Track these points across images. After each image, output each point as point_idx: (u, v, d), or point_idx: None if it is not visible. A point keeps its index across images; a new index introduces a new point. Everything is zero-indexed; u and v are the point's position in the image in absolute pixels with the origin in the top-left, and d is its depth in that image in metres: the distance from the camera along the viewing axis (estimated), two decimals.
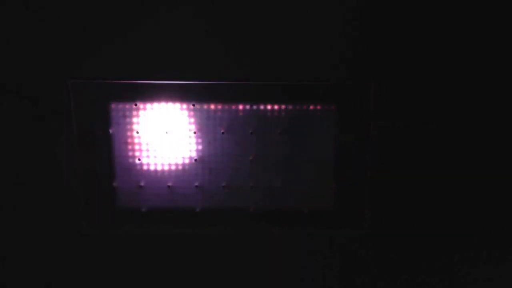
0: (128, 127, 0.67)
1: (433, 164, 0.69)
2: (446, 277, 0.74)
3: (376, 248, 0.73)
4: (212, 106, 0.67)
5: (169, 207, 0.70)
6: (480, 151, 0.69)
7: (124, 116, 0.67)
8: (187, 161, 0.69)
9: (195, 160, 0.69)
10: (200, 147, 0.68)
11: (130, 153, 0.68)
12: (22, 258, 0.73)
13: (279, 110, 0.67)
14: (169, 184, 0.69)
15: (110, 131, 0.67)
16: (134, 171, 0.69)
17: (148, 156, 0.68)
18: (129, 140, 0.68)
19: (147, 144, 0.68)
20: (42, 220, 0.71)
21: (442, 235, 0.72)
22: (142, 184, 0.69)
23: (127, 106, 0.67)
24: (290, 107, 0.67)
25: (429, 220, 0.71)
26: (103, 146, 0.67)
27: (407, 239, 0.72)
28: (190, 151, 0.68)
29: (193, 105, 0.67)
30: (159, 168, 0.69)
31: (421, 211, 0.71)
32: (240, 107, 0.67)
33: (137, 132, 0.67)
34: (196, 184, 0.70)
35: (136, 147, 0.68)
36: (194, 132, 0.68)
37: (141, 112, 0.67)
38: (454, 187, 0.70)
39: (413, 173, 0.69)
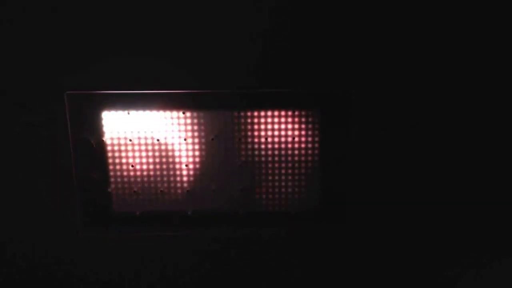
0: (121, 135, 0.70)
1: (418, 165, 0.71)
2: (431, 274, 0.76)
3: (362, 246, 0.75)
4: (202, 114, 0.69)
5: (162, 211, 0.73)
6: (467, 152, 0.71)
7: (117, 125, 0.69)
8: (178, 166, 0.71)
9: (186, 165, 0.71)
10: (190, 153, 0.71)
11: (124, 160, 0.71)
12: (19, 261, 0.75)
13: (266, 116, 0.69)
14: (162, 189, 0.72)
15: (104, 139, 0.70)
16: (128, 177, 0.71)
17: (141, 163, 0.71)
18: (123, 148, 0.70)
19: (139, 151, 0.71)
20: (39, 224, 0.73)
21: (429, 233, 0.74)
22: (135, 189, 0.72)
23: (120, 115, 0.69)
24: (276, 113, 0.69)
25: (415, 218, 0.73)
26: (98, 153, 0.70)
27: (393, 236, 0.74)
28: (181, 157, 0.71)
29: (183, 113, 0.69)
30: (151, 174, 0.71)
31: (407, 210, 0.73)
32: (228, 114, 0.69)
33: (130, 140, 0.70)
34: (188, 188, 0.72)
35: (130, 154, 0.71)
36: (185, 139, 0.70)
37: (133, 121, 0.69)
38: (439, 186, 0.72)
39: (398, 173, 0.72)
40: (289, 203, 0.73)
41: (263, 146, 0.70)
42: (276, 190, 0.72)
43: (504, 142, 0.70)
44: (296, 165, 0.71)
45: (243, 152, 0.71)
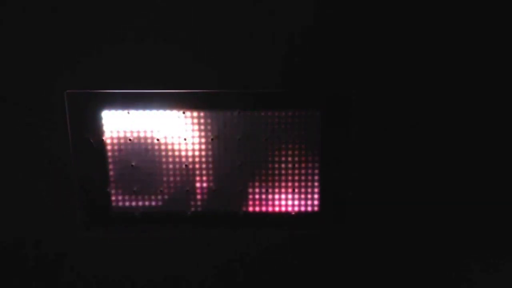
0: (121, 134, 0.70)
1: (418, 166, 0.71)
2: (432, 275, 0.76)
3: (362, 247, 0.75)
4: (202, 114, 0.69)
5: (161, 211, 0.73)
6: (468, 152, 0.71)
7: (117, 124, 0.69)
8: (177, 166, 0.71)
9: (186, 165, 0.71)
10: (190, 153, 0.71)
11: (124, 160, 0.71)
12: (19, 261, 0.75)
13: (266, 116, 0.69)
14: (161, 189, 0.72)
15: (104, 138, 0.70)
16: (127, 176, 0.71)
17: (140, 162, 0.71)
18: (122, 147, 0.70)
19: (139, 150, 0.70)
20: (38, 223, 0.73)
21: (430, 234, 0.74)
22: (135, 189, 0.72)
23: (120, 114, 0.69)
24: (276, 113, 0.69)
25: (415, 218, 0.73)
26: (97, 153, 0.70)
27: (394, 237, 0.74)
28: (181, 157, 0.71)
29: (183, 112, 0.69)
30: (151, 173, 0.71)
31: (407, 210, 0.73)
32: (229, 114, 0.69)
33: (130, 140, 0.70)
34: (187, 188, 0.72)
35: (129, 153, 0.70)
36: (185, 139, 0.70)
37: (133, 120, 0.69)
38: (439, 186, 0.72)
39: (398, 174, 0.71)
40: (289, 203, 0.73)
41: (263, 146, 0.70)
42: (276, 190, 0.72)
43: (504, 142, 0.70)
44: (296, 165, 0.71)
45: (242, 153, 0.71)
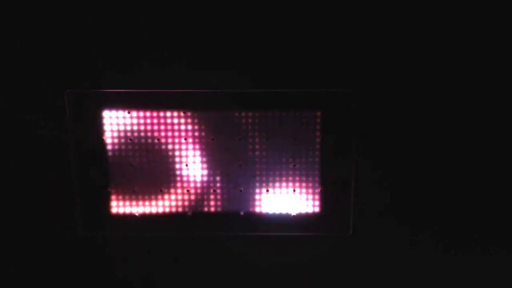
0: (122, 134, 0.70)
1: (417, 167, 0.71)
2: (431, 277, 0.76)
3: (363, 248, 0.75)
4: (202, 114, 0.69)
5: (162, 212, 0.72)
6: (468, 152, 0.70)
7: (118, 124, 0.69)
8: (178, 166, 0.71)
9: (186, 165, 0.71)
10: (190, 153, 0.71)
11: (124, 160, 0.71)
12: (17, 261, 0.75)
13: (267, 116, 0.69)
14: (161, 189, 0.72)
15: (104, 138, 0.70)
16: (128, 176, 0.71)
17: (141, 162, 0.71)
18: (123, 147, 0.70)
19: (139, 150, 0.70)
20: (39, 223, 0.73)
21: (430, 236, 0.74)
22: (135, 189, 0.72)
23: (121, 114, 0.69)
24: (277, 113, 0.69)
25: (415, 222, 0.73)
26: (98, 152, 0.70)
27: (395, 238, 0.74)
28: (181, 157, 0.71)
29: (184, 112, 0.69)
30: (152, 173, 0.71)
31: (407, 213, 0.73)
32: (229, 114, 0.69)
33: (130, 139, 0.70)
34: (188, 189, 0.72)
35: (130, 153, 0.71)
36: (185, 139, 0.70)
37: (134, 120, 0.69)
38: (440, 186, 0.72)
39: (398, 174, 0.71)
40: (289, 205, 0.73)
41: (263, 146, 0.70)
42: (276, 190, 0.72)
43: (505, 142, 0.70)
44: (297, 165, 0.71)
45: (243, 153, 0.71)
